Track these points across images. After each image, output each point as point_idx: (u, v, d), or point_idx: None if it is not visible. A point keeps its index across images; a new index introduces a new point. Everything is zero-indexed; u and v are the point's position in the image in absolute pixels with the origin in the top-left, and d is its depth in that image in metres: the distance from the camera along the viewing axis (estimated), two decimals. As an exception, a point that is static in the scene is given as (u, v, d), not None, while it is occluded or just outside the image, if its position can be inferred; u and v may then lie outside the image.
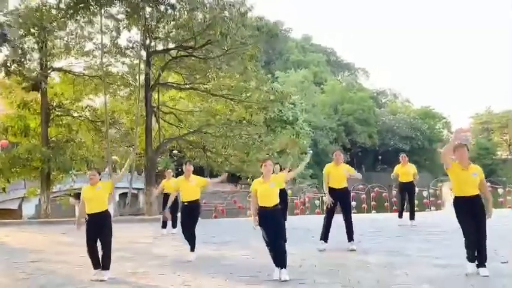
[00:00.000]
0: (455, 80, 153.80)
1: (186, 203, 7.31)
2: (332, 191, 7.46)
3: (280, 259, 5.56)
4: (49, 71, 18.10)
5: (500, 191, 17.97)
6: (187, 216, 7.30)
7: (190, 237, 7.25)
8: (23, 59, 16.42)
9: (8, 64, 16.02)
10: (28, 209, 25.15)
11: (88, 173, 6.49)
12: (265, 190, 5.67)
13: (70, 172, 18.35)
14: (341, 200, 7.47)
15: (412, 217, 10.13)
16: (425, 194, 18.87)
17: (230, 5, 17.06)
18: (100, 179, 6.39)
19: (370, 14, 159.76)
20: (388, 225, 10.17)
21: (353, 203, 16.85)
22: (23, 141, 18.18)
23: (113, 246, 6.27)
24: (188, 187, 7.35)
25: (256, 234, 6.41)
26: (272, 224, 5.59)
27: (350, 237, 7.47)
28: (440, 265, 5.99)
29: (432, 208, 18.52)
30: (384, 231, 9.46)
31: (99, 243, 6.22)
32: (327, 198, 7.48)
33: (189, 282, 5.73)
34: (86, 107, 19.32)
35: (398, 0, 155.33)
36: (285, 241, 5.75)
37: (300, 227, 10.45)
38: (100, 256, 6.19)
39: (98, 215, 6.18)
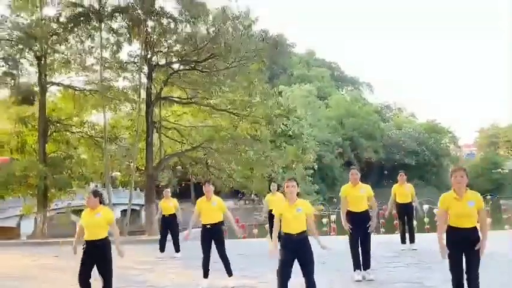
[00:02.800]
0: (460, 94, 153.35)
1: (208, 226, 6.81)
2: (351, 214, 6.75)
3: None
4: (48, 86, 17.65)
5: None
6: (209, 240, 6.81)
7: (224, 261, 6.85)
8: (14, 71, 15.98)
9: None
10: (27, 227, 24.48)
11: (86, 196, 5.82)
12: (291, 215, 4.97)
13: (68, 190, 17.72)
14: (361, 225, 6.69)
15: (412, 240, 9.45)
16: (435, 211, 18.05)
17: (234, 17, 16.63)
18: (101, 202, 5.68)
19: (374, 29, 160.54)
20: (404, 250, 9.40)
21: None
22: (20, 157, 17.65)
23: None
24: (210, 209, 6.85)
25: (263, 260, 5.67)
26: (297, 255, 4.90)
27: (366, 265, 6.77)
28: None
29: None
30: (401, 256, 8.69)
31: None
32: (344, 225, 6.76)
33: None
34: (85, 123, 18.80)
35: (403, 16, 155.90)
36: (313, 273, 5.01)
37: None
38: None
39: (96, 243, 5.52)
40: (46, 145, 17.32)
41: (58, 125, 17.89)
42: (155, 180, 17.10)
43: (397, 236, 13.09)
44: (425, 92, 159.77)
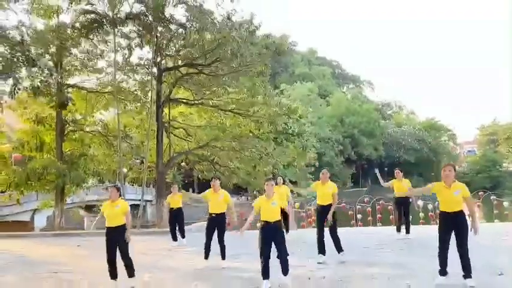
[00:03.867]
0: (461, 92, 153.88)
1: (214, 215, 7.98)
2: (319, 207, 7.94)
3: (284, 267, 6.11)
4: (64, 88, 18.72)
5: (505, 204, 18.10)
6: (214, 227, 7.95)
7: (221, 247, 7.93)
8: (50, 80, 17.10)
9: (37, 85, 16.67)
10: (40, 221, 25.64)
11: (109, 189, 6.89)
12: (268, 208, 6.26)
13: (83, 185, 18.87)
14: (326, 217, 7.77)
15: (407, 231, 10.45)
16: (430, 207, 18.95)
17: (239, 24, 17.64)
18: (120, 195, 6.76)
19: (375, 27, 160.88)
20: (392, 239, 10.48)
21: (358, 216, 17.12)
22: (38, 155, 18.76)
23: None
24: (216, 200, 8.02)
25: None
26: (273, 237, 6.15)
27: (339, 249, 7.88)
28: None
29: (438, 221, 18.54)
30: (388, 244, 9.78)
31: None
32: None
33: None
34: (99, 123, 19.92)
35: (404, 15, 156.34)
36: (287, 254, 6.17)
37: (308, 241, 10.75)
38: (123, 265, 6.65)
39: (114, 228, 6.61)
40: (63, 144, 18.42)
41: (74, 124, 18.96)
42: (165, 177, 18.19)
43: (389, 228, 14.23)
44: (426, 90, 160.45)
